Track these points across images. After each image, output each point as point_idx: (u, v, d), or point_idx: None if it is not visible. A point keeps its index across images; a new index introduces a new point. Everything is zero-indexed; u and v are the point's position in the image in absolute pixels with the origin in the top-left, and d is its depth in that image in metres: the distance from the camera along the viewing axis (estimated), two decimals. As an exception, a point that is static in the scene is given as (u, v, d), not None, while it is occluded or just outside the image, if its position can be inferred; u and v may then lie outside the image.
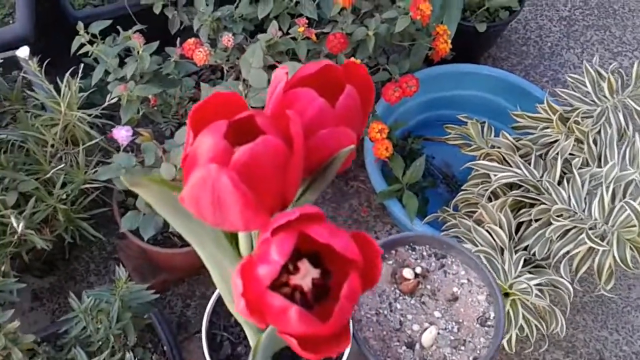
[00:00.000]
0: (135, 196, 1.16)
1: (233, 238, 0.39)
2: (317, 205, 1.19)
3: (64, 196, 1.06)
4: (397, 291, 0.74)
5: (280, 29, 1.12)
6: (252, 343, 0.55)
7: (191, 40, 1.07)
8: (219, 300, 0.66)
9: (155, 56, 1.11)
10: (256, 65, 0.96)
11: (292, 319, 0.28)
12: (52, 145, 1.08)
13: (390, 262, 0.75)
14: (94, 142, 1.10)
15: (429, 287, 0.73)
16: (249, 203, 0.30)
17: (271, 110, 0.34)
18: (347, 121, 0.34)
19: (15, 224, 0.96)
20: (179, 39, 1.21)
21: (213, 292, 1.41)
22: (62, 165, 1.05)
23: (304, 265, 0.31)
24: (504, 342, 1.08)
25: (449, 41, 1.22)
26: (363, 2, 1.16)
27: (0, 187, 1.00)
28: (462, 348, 0.68)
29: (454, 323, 0.70)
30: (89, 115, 1.09)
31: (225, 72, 1.26)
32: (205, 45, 1.06)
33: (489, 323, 0.70)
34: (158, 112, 1.12)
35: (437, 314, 0.71)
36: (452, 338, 0.69)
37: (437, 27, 1.22)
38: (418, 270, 0.74)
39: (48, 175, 1.05)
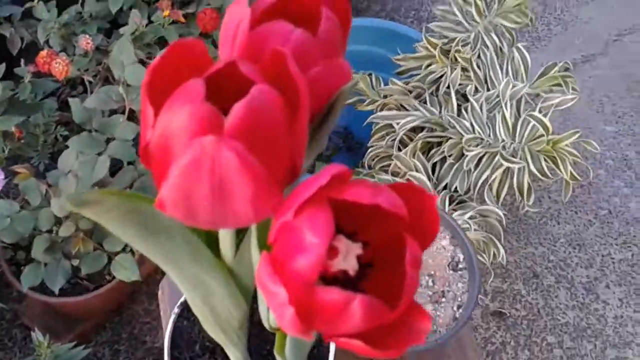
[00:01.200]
0: (24, 248, 1.00)
1: (211, 242, 0.31)
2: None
3: (-62, 268, 0.88)
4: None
5: (141, 20, 1.01)
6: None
7: (44, 53, 0.93)
8: (175, 331, 0.57)
9: (4, 81, 0.95)
10: (129, 61, 0.84)
11: (355, 313, 0.21)
12: None
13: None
14: (-43, 197, 0.92)
15: (390, 246, 0.68)
16: (261, 179, 0.22)
17: (237, 56, 0.26)
18: (333, 51, 0.27)
19: None
20: (22, 60, 1.05)
21: (141, 330, 1.29)
22: None
23: (342, 242, 0.24)
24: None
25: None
26: (222, -27, 1.07)
27: None
28: (443, 300, 0.64)
29: (427, 277, 0.66)
30: (-58, 167, 0.92)
31: (88, 83, 1.12)
32: (61, 55, 0.92)
33: (460, 266, 0.66)
34: (26, 145, 0.97)
35: (407, 271, 0.67)
36: (430, 293, 0.65)
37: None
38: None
39: None
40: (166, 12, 0.95)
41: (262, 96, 0.22)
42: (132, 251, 0.88)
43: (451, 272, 0.67)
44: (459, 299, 0.66)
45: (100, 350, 1.16)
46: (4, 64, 0.94)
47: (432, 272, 0.68)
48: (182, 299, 0.60)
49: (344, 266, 0.24)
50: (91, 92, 1.12)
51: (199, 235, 0.29)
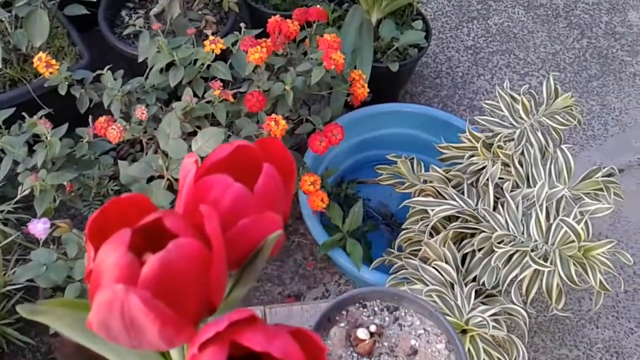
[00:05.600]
0: (64, 291, 1.08)
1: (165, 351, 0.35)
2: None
3: (-18, 303, 0.97)
4: (355, 354, 0.70)
5: (195, 94, 1.09)
6: None
7: (102, 119, 1.02)
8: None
9: (66, 139, 1.05)
10: (174, 135, 0.92)
11: None
12: (-37, 250, 1.00)
13: (342, 324, 0.72)
14: (9, 239, 1.02)
15: (386, 344, 0.70)
16: (168, 320, 0.26)
17: (183, 205, 0.31)
18: (270, 203, 0.31)
19: None
20: (90, 117, 1.16)
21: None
22: (-24, 270, 0.96)
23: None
24: (469, 379, 1.05)
25: (366, 85, 1.22)
26: (275, 58, 1.15)
27: None
28: (430, 403, 0.65)
29: (417, 378, 0.67)
30: (1, 211, 1.02)
31: (144, 144, 1.21)
32: (118, 121, 1.02)
33: (452, 371, 0.67)
34: (77, 197, 1.06)
35: (398, 371, 0.68)
36: (417, 394, 0.66)
37: (352, 73, 1.22)
38: (372, 328, 0.71)
39: (-39, 284, 0.96)
40: (217, 92, 1.03)
41: (177, 250, 0.26)
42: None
43: (442, 377, 0.68)
44: (446, 407, 0.66)
45: (119, 398, 1.21)
46: (66, 125, 1.05)
47: (424, 375, 0.69)
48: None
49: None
50: (146, 153, 1.22)
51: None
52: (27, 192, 1.03)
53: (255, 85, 1.10)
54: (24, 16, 1.24)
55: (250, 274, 0.32)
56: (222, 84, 1.06)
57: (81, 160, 1.07)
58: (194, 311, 0.28)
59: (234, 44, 1.16)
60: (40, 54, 1.12)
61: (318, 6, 1.30)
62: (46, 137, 1.01)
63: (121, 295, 0.25)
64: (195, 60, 1.15)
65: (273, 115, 1.03)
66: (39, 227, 0.93)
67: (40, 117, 1.04)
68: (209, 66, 1.15)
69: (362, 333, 0.70)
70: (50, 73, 1.11)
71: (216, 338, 0.27)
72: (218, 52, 1.10)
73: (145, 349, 0.28)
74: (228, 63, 1.16)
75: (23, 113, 1.13)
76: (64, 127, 1.04)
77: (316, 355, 0.28)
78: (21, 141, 1.05)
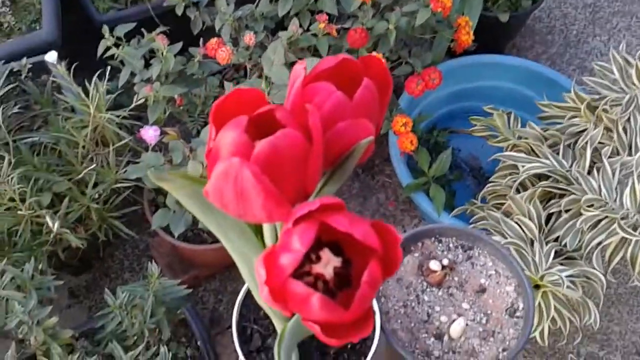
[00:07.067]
0: (165, 194, 1.18)
1: (258, 231, 0.40)
2: (343, 200, 1.19)
3: (96, 196, 1.08)
4: (425, 283, 0.74)
5: (300, 25, 1.13)
6: (279, 332, 0.56)
7: (214, 40, 1.08)
8: (249, 294, 0.67)
9: (179, 57, 1.13)
10: (278, 62, 0.97)
11: (314, 306, 0.29)
12: (83, 147, 1.11)
13: (417, 254, 0.75)
14: (123, 142, 1.12)
15: (456, 278, 0.73)
16: (271, 195, 0.31)
17: (291, 105, 0.35)
18: (365, 113, 0.35)
19: (50, 223, 0.98)
20: (201, 39, 1.23)
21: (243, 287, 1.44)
22: (94, 166, 1.07)
23: (326, 254, 0.32)
24: (537, 334, 1.07)
25: (471, 32, 1.21)
26: (384, -4, 1.16)
27: (35, 188, 1.03)
28: (491, 339, 0.68)
29: (482, 314, 0.70)
30: (117, 116, 1.12)
31: (248, 70, 1.27)
32: (227, 44, 1.07)
33: (517, 314, 0.69)
34: (184, 111, 1.14)
35: (465, 305, 0.71)
36: (480, 329, 0.69)
37: (459, 19, 1.21)
38: (445, 262, 0.74)
39: (80, 176, 1.07)
40: (322, 25, 1.06)
41: (284, 136, 0.31)
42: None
43: (507, 316, 0.71)
44: (506, 343, 0.69)
45: (206, 296, 1.33)
46: (180, 43, 1.12)
47: (489, 312, 0.72)
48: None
49: (322, 271, 0.32)
50: (249, 78, 1.28)
51: (247, 223, 0.39)
52: (141, 101, 1.12)
53: (359, 22, 1.12)
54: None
55: (341, 174, 0.36)
56: (327, 18, 1.09)
57: (191, 78, 1.15)
58: (292, 194, 0.33)
59: (344, -20, 1.17)
60: (163, -27, 1.19)
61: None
62: (162, 53, 1.09)
63: (236, 167, 0.30)
64: (305, -8, 1.18)
65: (373, 53, 1.05)
66: (150, 133, 1.02)
67: (158, 34, 1.11)
68: (317, 0, 1.17)
69: (434, 265, 0.73)
70: (170, -7, 1.18)
71: (308, 216, 0.31)
72: (328, -15, 1.12)
73: (248, 219, 0.33)
74: (336, -2, 1.18)
75: (142, 29, 1.21)
76: (179, 45, 1.11)
77: (391, 245, 0.32)
78: (139, 54, 1.13)
